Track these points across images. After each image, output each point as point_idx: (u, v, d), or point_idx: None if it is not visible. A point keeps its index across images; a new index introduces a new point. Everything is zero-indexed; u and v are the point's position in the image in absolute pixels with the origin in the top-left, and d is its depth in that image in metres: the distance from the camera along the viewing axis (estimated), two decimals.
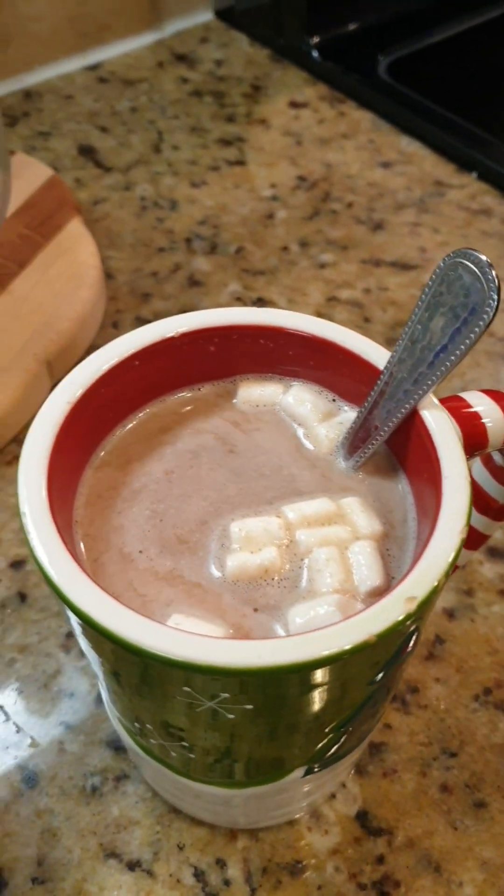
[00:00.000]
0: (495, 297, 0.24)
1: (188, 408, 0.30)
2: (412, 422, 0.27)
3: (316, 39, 0.71)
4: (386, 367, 0.27)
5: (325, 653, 0.21)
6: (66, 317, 0.48)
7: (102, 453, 0.29)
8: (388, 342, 0.50)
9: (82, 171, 0.62)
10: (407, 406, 0.26)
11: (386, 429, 0.27)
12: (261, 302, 0.53)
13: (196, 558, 0.26)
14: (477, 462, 0.31)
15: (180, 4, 0.74)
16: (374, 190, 0.61)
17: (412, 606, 0.22)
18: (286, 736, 0.26)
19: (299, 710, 0.24)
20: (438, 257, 0.56)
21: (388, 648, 0.23)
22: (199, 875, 0.33)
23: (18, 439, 0.46)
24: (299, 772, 0.29)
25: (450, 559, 0.23)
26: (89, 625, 0.22)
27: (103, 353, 0.28)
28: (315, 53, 0.71)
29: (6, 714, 0.37)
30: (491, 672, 0.38)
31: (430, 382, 0.26)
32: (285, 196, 0.60)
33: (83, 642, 0.25)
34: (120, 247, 0.56)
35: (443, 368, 0.26)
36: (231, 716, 0.23)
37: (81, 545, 0.26)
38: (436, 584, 0.23)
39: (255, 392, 0.30)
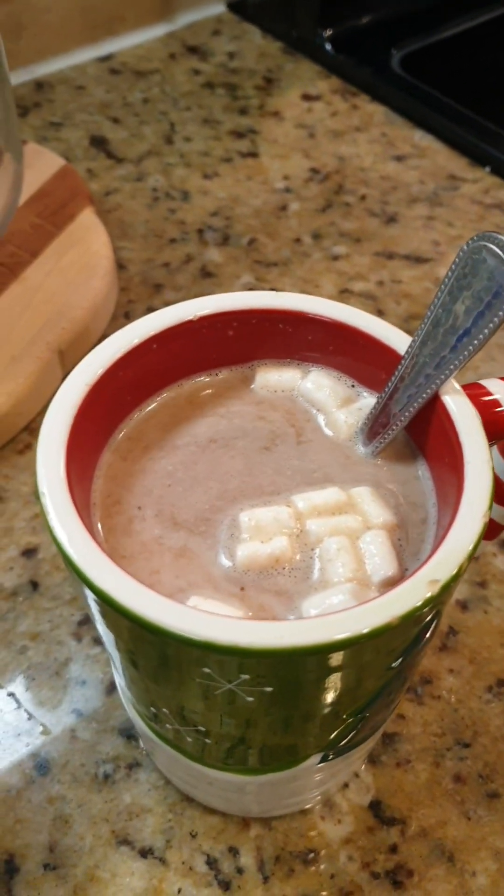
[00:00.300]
0: None
1: (206, 392, 0.30)
2: (433, 407, 0.27)
3: (329, 32, 0.71)
4: (407, 352, 0.27)
5: (347, 634, 0.21)
6: (79, 306, 0.48)
7: (120, 436, 0.28)
8: None
9: (94, 162, 0.62)
10: (428, 391, 0.26)
11: (406, 414, 0.27)
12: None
13: (207, 546, 0.26)
14: (493, 450, 0.31)
15: None
16: (388, 183, 0.61)
17: (435, 589, 0.22)
18: (303, 721, 0.26)
19: (317, 694, 0.24)
20: (452, 251, 0.56)
21: (409, 633, 0.23)
22: (211, 863, 0.33)
23: (30, 428, 0.46)
24: (314, 759, 0.29)
25: (473, 543, 0.23)
26: (109, 605, 0.22)
27: (121, 335, 0.28)
28: (328, 46, 0.70)
29: (18, 701, 0.37)
30: None
31: (452, 367, 0.26)
32: (298, 188, 0.60)
33: (100, 625, 0.25)
34: (132, 237, 0.56)
35: (465, 353, 0.25)
36: (250, 699, 0.23)
37: (99, 526, 0.26)
38: (458, 567, 0.22)
39: (273, 377, 0.30)
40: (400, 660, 0.24)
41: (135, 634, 0.23)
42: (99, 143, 0.64)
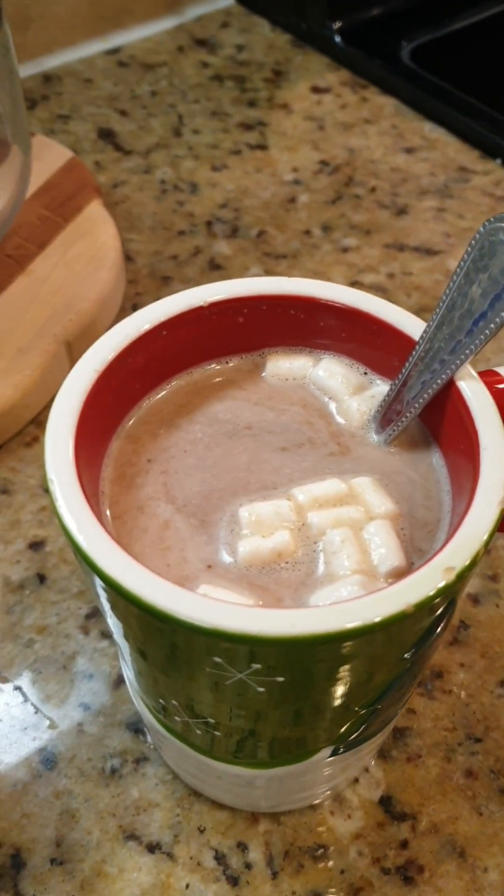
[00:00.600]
0: None
1: (216, 380, 0.29)
2: (448, 393, 0.26)
3: (338, 24, 0.70)
4: (422, 337, 0.26)
5: (361, 622, 0.20)
6: (86, 298, 0.48)
7: (129, 424, 0.28)
8: None
9: (102, 155, 0.61)
10: (443, 377, 0.26)
11: (421, 401, 0.26)
12: None
13: (210, 540, 0.25)
14: None
15: None
16: (398, 175, 0.60)
17: (450, 577, 0.21)
18: (314, 713, 0.25)
19: (329, 685, 0.23)
20: (463, 243, 0.55)
21: (423, 622, 0.22)
22: (219, 858, 0.32)
23: (37, 420, 0.46)
24: (325, 753, 0.28)
25: (489, 530, 0.22)
26: (118, 592, 0.21)
27: (131, 321, 0.27)
28: (337, 39, 0.70)
29: (24, 695, 0.36)
30: None
31: (468, 352, 0.25)
32: (307, 180, 0.60)
33: (109, 614, 0.24)
34: (140, 230, 0.56)
35: (482, 337, 0.25)
36: (261, 689, 0.23)
37: (108, 514, 0.26)
38: (474, 555, 0.22)
39: (284, 365, 0.30)
40: (413, 651, 0.24)
41: (143, 623, 0.22)
42: (107, 135, 0.63)
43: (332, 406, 0.29)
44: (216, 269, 0.54)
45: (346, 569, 0.24)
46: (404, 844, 0.33)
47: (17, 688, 0.36)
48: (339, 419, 0.29)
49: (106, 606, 0.24)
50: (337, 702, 0.25)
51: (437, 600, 0.21)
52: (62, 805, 0.34)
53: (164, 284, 0.53)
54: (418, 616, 0.21)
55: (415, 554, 0.25)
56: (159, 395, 0.29)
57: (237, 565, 0.25)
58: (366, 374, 0.29)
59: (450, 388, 0.26)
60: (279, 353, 0.30)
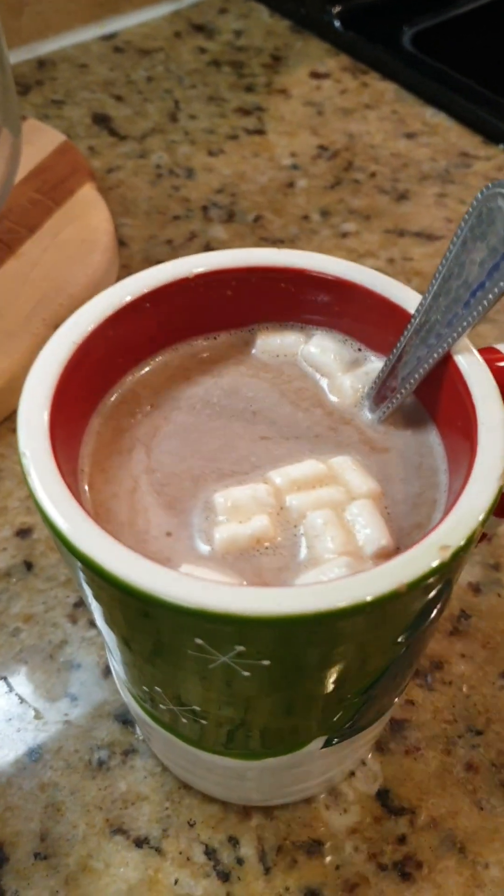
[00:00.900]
0: None
1: (203, 356, 0.28)
2: (444, 368, 0.25)
3: (338, 9, 0.69)
4: (417, 310, 0.25)
5: (350, 602, 0.19)
6: (77, 282, 0.47)
7: (111, 401, 0.27)
8: None
9: (96, 140, 0.60)
10: (440, 350, 0.25)
11: (416, 376, 0.25)
12: None
13: (186, 526, 0.24)
14: None
15: None
16: (398, 160, 0.59)
17: (446, 555, 0.20)
18: (304, 701, 0.24)
19: (319, 670, 0.22)
20: None
21: (416, 604, 0.21)
22: (210, 853, 0.31)
23: None
24: (317, 743, 0.27)
25: (486, 507, 0.21)
26: (95, 572, 0.20)
27: (112, 292, 0.26)
28: (337, 23, 0.69)
29: (9, 685, 0.35)
30: None
31: (465, 324, 0.24)
32: (306, 165, 0.58)
33: (88, 596, 0.23)
34: (134, 214, 0.55)
35: (480, 308, 0.24)
36: (246, 673, 0.22)
37: (87, 492, 0.24)
38: (471, 533, 0.21)
39: (275, 341, 0.29)
40: (406, 635, 0.23)
41: (122, 603, 0.21)
42: (101, 120, 0.62)
43: (324, 383, 0.28)
44: None
45: (331, 551, 0.23)
46: (402, 839, 0.32)
47: (2, 678, 0.35)
48: (332, 397, 0.27)
49: (84, 587, 0.22)
50: (328, 689, 0.23)
51: (432, 580, 0.20)
52: (47, 798, 0.32)
53: None
54: (411, 597, 0.20)
55: (410, 537, 0.24)
56: (143, 371, 0.28)
57: (214, 553, 0.23)
58: (360, 350, 0.28)
59: (446, 362, 0.25)
60: (269, 329, 0.29)
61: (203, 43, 0.70)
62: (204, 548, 0.24)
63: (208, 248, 0.53)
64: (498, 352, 0.26)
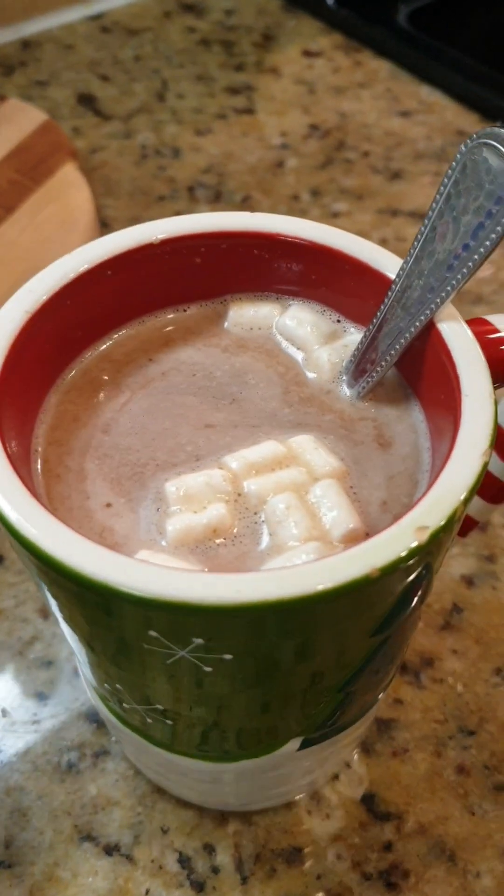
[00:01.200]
0: None
1: (170, 329, 0.26)
2: (427, 337, 0.23)
3: None
4: (399, 274, 0.23)
5: (318, 588, 0.17)
6: None
7: (69, 377, 0.25)
8: None
9: (81, 120, 0.58)
10: (422, 318, 0.23)
11: (398, 347, 0.23)
12: None
13: (139, 520, 0.22)
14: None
15: None
16: (392, 139, 0.57)
17: (423, 537, 0.18)
18: (276, 697, 0.22)
19: (286, 664, 0.20)
20: None
21: (391, 590, 0.19)
22: (184, 861, 0.29)
23: None
24: (294, 743, 0.25)
25: (469, 484, 0.19)
26: (40, 558, 0.18)
27: (70, 259, 0.24)
28: (330, 1, 0.67)
29: None
30: None
31: (449, 289, 0.22)
32: (296, 144, 0.56)
33: (42, 588, 0.21)
34: (118, 195, 0.53)
35: (464, 271, 0.22)
36: (208, 669, 0.20)
37: (40, 473, 0.23)
38: (451, 512, 0.19)
39: (248, 313, 0.27)
40: (383, 625, 0.21)
41: (69, 591, 0.19)
42: (86, 100, 0.60)
43: (301, 357, 0.26)
44: None
45: (296, 538, 0.21)
46: (388, 847, 0.30)
47: None
48: (308, 372, 0.25)
49: (36, 579, 0.21)
50: (300, 685, 0.22)
51: (408, 564, 0.18)
52: (13, 802, 0.31)
53: None
54: (385, 583, 0.18)
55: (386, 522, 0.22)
56: (105, 346, 0.26)
57: (167, 546, 0.21)
58: (338, 321, 0.26)
59: (429, 331, 0.23)
60: (243, 300, 0.27)
61: (192, 22, 0.68)
62: (159, 539, 0.22)
63: None
64: (488, 323, 0.24)
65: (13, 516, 0.19)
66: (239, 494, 0.22)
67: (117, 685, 0.23)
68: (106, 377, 0.25)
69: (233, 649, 0.19)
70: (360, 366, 0.25)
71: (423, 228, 0.23)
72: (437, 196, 0.22)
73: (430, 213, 0.23)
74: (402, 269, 0.23)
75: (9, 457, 0.20)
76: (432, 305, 0.23)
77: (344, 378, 0.25)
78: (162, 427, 0.24)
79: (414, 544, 0.18)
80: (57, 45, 0.65)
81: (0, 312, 0.23)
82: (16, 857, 0.29)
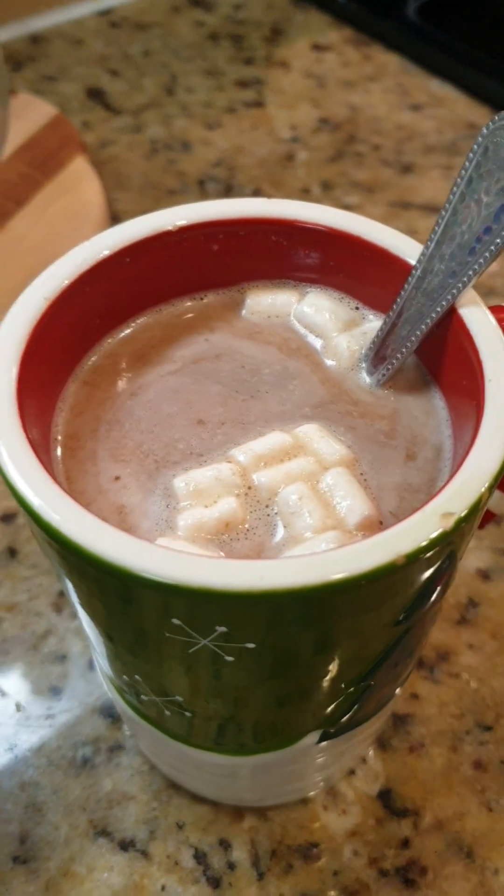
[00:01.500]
0: None
1: (188, 317, 0.26)
2: (448, 324, 0.23)
3: None
4: (419, 259, 0.23)
5: (342, 575, 0.17)
6: None
7: (88, 364, 0.25)
8: None
9: (90, 115, 0.58)
10: (444, 303, 0.22)
11: (418, 333, 0.23)
12: None
13: (150, 515, 0.22)
14: None
15: None
16: (403, 133, 0.57)
17: (448, 524, 0.18)
18: (296, 689, 0.22)
19: (310, 653, 0.20)
20: None
21: (416, 579, 0.19)
22: (199, 857, 0.29)
23: None
24: (312, 737, 0.25)
25: (494, 471, 0.19)
26: (63, 544, 0.18)
27: (89, 246, 0.24)
28: None
29: None
30: None
31: (471, 273, 0.22)
32: (306, 138, 0.56)
33: (58, 573, 0.21)
34: (128, 189, 0.53)
35: (486, 255, 0.21)
36: (230, 658, 0.19)
37: (60, 461, 0.22)
38: (477, 499, 0.19)
39: (266, 301, 0.26)
40: (406, 615, 0.20)
41: (91, 578, 0.19)
42: (96, 95, 0.60)
43: (319, 345, 0.25)
44: None
45: (311, 527, 0.20)
46: (405, 843, 0.29)
47: None
48: (327, 360, 0.25)
49: (53, 562, 0.20)
50: (320, 676, 0.21)
51: (433, 552, 0.18)
52: (28, 798, 0.30)
53: None
54: (411, 570, 0.18)
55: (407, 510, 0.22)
56: (123, 334, 0.26)
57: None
58: (357, 308, 0.26)
59: (450, 317, 0.23)
60: (260, 288, 0.27)
61: (201, 17, 0.67)
62: (171, 534, 0.21)
63: None
64: None
65: (36, 502, 0.18)
66: (249, 487, 0.22)
67: (136, 676, 0.23)
68: (124, 365, 0.25)
69: (255, 638, 0.19)
70: (379, 353, 0.24)
71: (443, 212, 0.22)
72: (458, 179, 0.22)
73: (451, 196, 0.22)
74: (422, 253, 0.23)
75: (30, 443, 0.20)
76: (454, 290, 0.22)
77: (363, 365, 0.25)
78: (181, 416, 0.24)
79: (439, 531, 0.18)
80: (66, 40, 0.65)
81: (19, 300, 0.22)
82: (31, 852, 0.29)
